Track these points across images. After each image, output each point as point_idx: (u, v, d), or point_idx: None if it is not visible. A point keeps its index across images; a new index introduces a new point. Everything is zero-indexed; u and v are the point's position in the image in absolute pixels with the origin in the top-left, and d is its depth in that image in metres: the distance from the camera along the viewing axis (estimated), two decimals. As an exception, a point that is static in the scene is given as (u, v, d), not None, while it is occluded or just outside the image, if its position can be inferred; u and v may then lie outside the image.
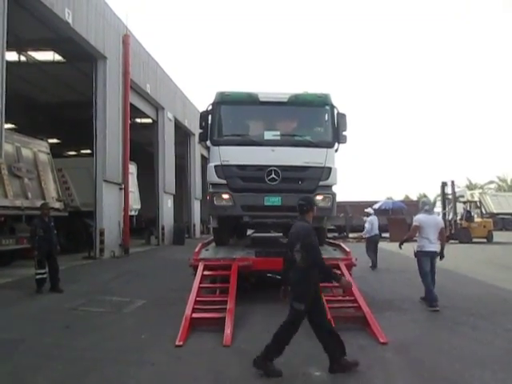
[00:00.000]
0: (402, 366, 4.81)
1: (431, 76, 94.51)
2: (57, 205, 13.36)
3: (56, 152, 25.95)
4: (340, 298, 7.46)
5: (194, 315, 6.27)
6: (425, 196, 58.62)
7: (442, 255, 7.79)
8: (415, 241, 8.04)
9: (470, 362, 4.94)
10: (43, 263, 8.81)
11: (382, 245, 21.48)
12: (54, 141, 29.02)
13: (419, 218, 7.92)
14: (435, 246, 7.73)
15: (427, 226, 7.71)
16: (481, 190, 48.75)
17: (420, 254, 7.80)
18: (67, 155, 27.65)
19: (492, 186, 58.09)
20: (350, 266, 7.95)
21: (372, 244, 13.18)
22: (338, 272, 7.71)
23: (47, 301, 8.19)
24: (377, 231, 13.33)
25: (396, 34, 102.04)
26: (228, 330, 5.75)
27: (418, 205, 35.05)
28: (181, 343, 5.50)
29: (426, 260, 7.72)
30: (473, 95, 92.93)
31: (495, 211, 38.42)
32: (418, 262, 7.86)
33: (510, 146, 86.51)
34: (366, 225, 13.41)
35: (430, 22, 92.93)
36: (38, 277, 8.79)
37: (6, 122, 22.05)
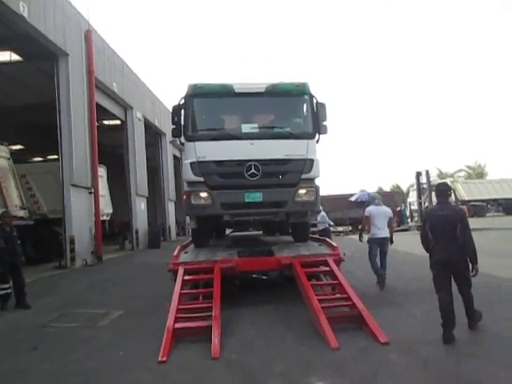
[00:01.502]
0: (411, 369, 4.42)
1: (401, 66, 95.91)
2: (21, 213, 12.51)
3: (21, 158, 24.90)
4: (332, 296, 7.06)
5: (177, 325, 5.73)
6: (398, 187, 59.54)
7: (391, 240, 8.84)
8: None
9: (483, 359, 4.60)
10: (6, 277, 8.06)
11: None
12: (18, 147, 27.77)
13: (370, 210, 8.85)
14: (384, 233, 8.63)
15: (377, 215, 8.71)
16: (452, 179, 49.69)
17: (371, 241, 8.73)
18: (33, 162, 26.33)
19: (461, 174, 59.39)
20: (338, 262, 7.57)
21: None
22: (327, 269, 7.37)
23: (13, 318, 7.45)
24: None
25: (372, 23, 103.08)
26: (215, 340, 5.23)
27: (393, 196, 35.54)
28: (164, 358, 4.96)
29: (375, 246, 8.69)
30: (439, 87, 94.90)
31: (467, 198, 39.12)
32: (369, 248, 8.76)
33: (474, 135, 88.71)
34: (319, 218, 14.42)
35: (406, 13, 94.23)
36: (1, 292, 8.02)
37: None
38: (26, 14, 11.59)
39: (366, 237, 9.01)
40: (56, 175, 14.68)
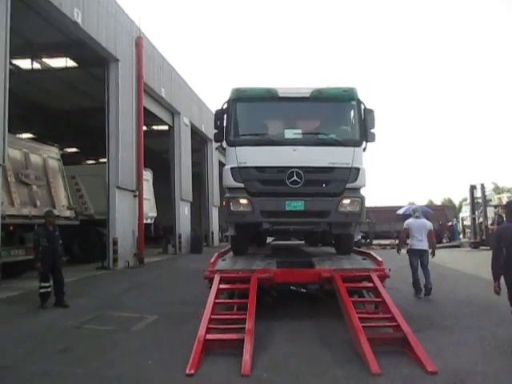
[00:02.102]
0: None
1: (457, 75, 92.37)
2: (67, 213, 12.84)
3: (75, 161, 25.97)
4: (375, 315, 6.57)
5: (208, 337, 5.47)
6: (450, 201, 57.04)
7: (433, 253, 9.10)
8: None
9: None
10: (47, 276, 8.17)
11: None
12: (74, 150, 28.98)
13: (409, 222, 9.30)
14: (422, 245, 8.98)
15: (415, 228, 9.11)
16: (509, 194, 46.90)
17: (410, 252, 9.19)
18: (83, 164, 27.30)
19: (520, 189, 56.05)
20: (383, 278, 7.06)
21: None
22: (370, 285, 6.90)
23: (50, 318, 7.50)
24: None
25: (421, 32, 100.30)
26: (247, 356, 4.92)
27: (444, 210, 33.96)
28: (192, 371, 4.70)
29: (415, 256, 9.05)
30: (498, 96, 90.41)
31: (526, 215, 36.70)
32: (409, 258, 9.18)
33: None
34: None
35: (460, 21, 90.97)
36: (41, 290, 8.14)
37: (25, 132, 22.33)
38: (79, 21, 11.97)
39: (403, 250, 9.50)
40: (103, 178, 15.03)
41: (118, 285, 11.04)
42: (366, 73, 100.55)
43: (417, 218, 9.31)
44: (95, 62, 15.16)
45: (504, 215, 6.42)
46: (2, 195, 10.34)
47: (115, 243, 14.30)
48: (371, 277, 6.90)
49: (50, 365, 5.11)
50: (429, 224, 9.27)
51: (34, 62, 15.97)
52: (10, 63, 14.63)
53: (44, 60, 15.83)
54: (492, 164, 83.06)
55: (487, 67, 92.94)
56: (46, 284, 8.17)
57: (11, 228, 11.29)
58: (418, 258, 8.99)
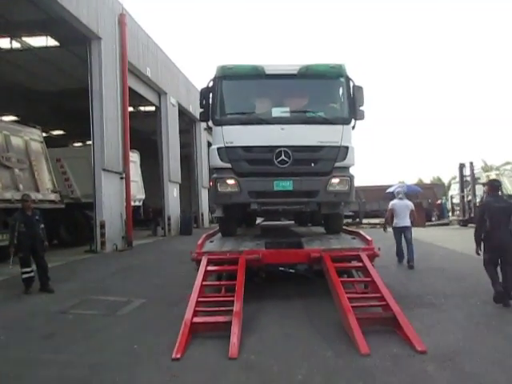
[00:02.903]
0: (453, 386, 3.85)
1: (446, 54, 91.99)
2: (52, 196, 12.58)
3: (62, 143, 25.45)
4: (364, 295, 6.52)
5: (196, 319, 5.39)
6: (439, 179, 57.34)
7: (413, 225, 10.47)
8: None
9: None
10: (28, 261, 7.99)
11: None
12: (60, 132, 28.40)
13: (393, 203, 10.43)
14: (405, 222, 10.14)
15: (399, 208, 10.24)
16: (498, 172, 47.24)
17: (395, 229, 10.38)
18: (68, 146, 26.75)
19: (508, 167, 56.36)
20: (372, 257, 7.00)
21: None
22: (360, 264, 6.84)
23: (34, 303, 7.36)
24: None
25: (410, 9, 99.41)
26: (234, 339, 4.84)
27: (433, 188, 34.11)
28: (178, 356, 4.61)
29: (399, 233, 10.28)
30: (486, 74, 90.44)
31: (514, 192, 37.06)
32: (394, 235, 10.40)
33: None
34: None
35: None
36: (24, 276, 7.98)
37: (8, 114, 21.76)
38: (58, -4, 11.47)
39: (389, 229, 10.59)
40: (89, 160, 14.71)
41: (106, 268, 10.91)
42: (353, 50, 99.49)
43: (400, 199, 10.44)
44: (77, 41, 14.63)
45: (486, 191, 7.47)
46: (-17, 179, 10.08)
47: (102, 226, 14.09)
48: (360, 256, 6.84)
49: (32, 352, 4.99)
50: (410, 204, 10.46)
51: (14, 41, 15.40)
52: (-13, 42, 14.20)
53: (24, 39, 15.25)
54: (481, 142, 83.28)
55: (476, 42, 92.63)
56: (28, 269, 8.00)
57: (-5, 212, 11.04)
58: (402, 233, 10.20)
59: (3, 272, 9.57)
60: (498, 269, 6.52)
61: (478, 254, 6.74)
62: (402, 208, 10.22)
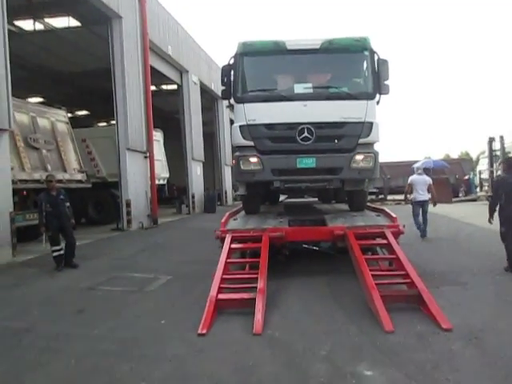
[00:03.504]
0: (478, 364, 3.81)
1: (476, 24, 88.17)
2: (79, 176, 12.86)
3: (87, 124, 25.80)
4: (388, 272, 6.48)
5: (220, 296, 5.48)
6: (467, 154, 55.88)
7: (434, 203, 11.32)
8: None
9: None
10: (57, 239, 8.27)
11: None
12: (84, 112, 28.78)
13: (413, 178, 11.09)
14: (424, 197, 10.77)
15: (417, 183, 10.86)
16: (529, 145, 45.57)
17: (414, 203, 10.91)
18: (93, 126, 27.11)
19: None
20: (397, 234, 6.92)
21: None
22: (384, 242, 6.78)
23: (65, 280, 7.62)
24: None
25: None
26: (259, 315, 4.91)
27: (461, 163, 33.25)
28: (204, 331, 4.72)
29: (417, 207, 10.84)
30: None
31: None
32: (412, 208, 10.99)
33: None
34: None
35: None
36: (54, 254, 8.26)
37: (34, 96, 22.13)
38: (78, -25, 11.43)
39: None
40: (114, 139, 14.88)
41: (132, 246, 11.16)
42: (382, 24, 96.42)
43: (419, 174, 11.14)
44: (98, 21, 14.63)
45: (504, 169, 8.11)
46: (12, 160, 10.33)
47: (128, 205, 14.36)
48: (385, 233, 6.78)
49: (66, 326, 5.20)
50: (428, 179, 11.10)
51: (37, 23, 15.53)
52: (13, 24, 14.32)
53: (46, 20, 15.36)
54: (511, 115, 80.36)
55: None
56: (57, 247, 8.28)
57: (25, 193, 11.38)
58: (420, 207, 10.81)
59: (37, 250, 9.95)
60: None
61: (491, 222, 7.41)
62: (421, 183, 10.87)
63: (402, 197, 26.94)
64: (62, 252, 8.31)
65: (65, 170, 12.13)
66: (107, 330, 5.00)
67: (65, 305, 6.10)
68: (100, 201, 16.36)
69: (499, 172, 22.89)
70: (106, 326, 5.15)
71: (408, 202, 11.49)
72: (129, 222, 14.43)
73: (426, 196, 10.85)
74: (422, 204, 10.82)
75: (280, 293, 6.07)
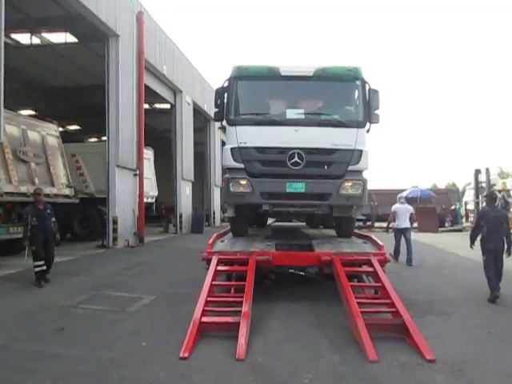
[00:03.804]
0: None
1: (463, 58, 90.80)
2: (67, 191, 12.71)
3: (78, 138, 25.71)
4: (374, 300, 6.47)
5: (204, 319, 5.41)
6: (453, 185, 56.66)
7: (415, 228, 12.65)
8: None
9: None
10: (40, 254, 8.14)
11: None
12: (76, 127, 28.74)
13: (395, 207, 11.79)
14: (405, 224, 11.41)
15: (400, 211, 11.54)
16: (514, 178, 46.43)
17: (396, 230, 11.62)
18: (83, 142, 27.02)
19: (525, 174, 55.39)
20: (383, 262, 6.94)
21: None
22: (370, 269, 6.79)
23: (46, 296, 7.46)
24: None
25: (421, 16, 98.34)
26: (242, 340, 4.85)
27: (448, 194, 33.64)
28: (186, 355, 4.64)
29: (399, 233, 11.49)
30: (503, 80, 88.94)
31: (530, 200, 36.38)
32: (394, 235, 11.63)
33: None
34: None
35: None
36: (37, 269, 8.11)
37: (26, 108, 22.06)
38: (78, -7, 11.59)
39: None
40: (104, 156, 14.82)
41: (117, 264, 10.99)
42: (372, 52, 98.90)
43: (402, 203, 11.87)
44: (95, 38, 14.79)
45: (486, 202, 8.47)
46: (0, 172, 10.21)
47: (115, 222, 14.22)
48: (371, 261, 6.79)
49: (44, 345, 5.07)
50: (410, 208, 11.89)
51: (34, 37, 15.61)
52: (9, 37, 14.39)
53: (43, 35, 15.46)
54: (498, 148, 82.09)
55: (494, 47, 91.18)
56: (40, 262, 8.14)
57: (10, 205, 11.21)
58: (402, 234, 11.41)
59: (19, 264, 9.75)
60: None
61: (472, 247, 7.87)
62: (403, 211, 11.51)
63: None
64: (44, 268, 8.16)
65: (53, 185, 12.00)
66: (86, 350, 4.88)
67: (44, 322, 5.94)
68: (86, 217, 16.15)
69: (484, 203, 23.32)
70: (85, 345, 5.03)
71: (390, 230, 12.08)
72: (114, 239, 14.25)
73: (408, 224, 11.45)
74: (404, 231, 11.38)
75: (265, 317, 6.01)
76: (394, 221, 11.67)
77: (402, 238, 11.43)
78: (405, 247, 11.30)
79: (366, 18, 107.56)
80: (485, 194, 23.32)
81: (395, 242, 11.48)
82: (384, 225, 25.56)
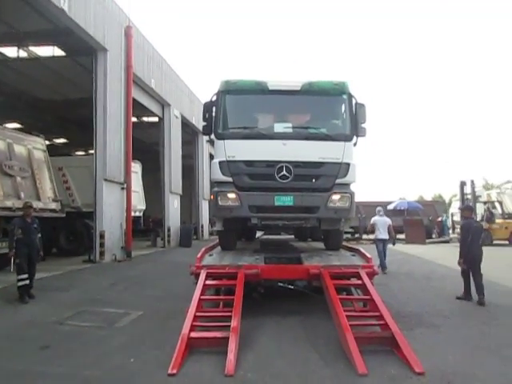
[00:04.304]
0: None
1: (448, 70, 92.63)
2: (53, 205, 12.56)
3: (65, 152, 25.49)
4: (362, 313, 6.47)
5: (193, 334, 5.36)
6: (440, 197, 57.30)
7: (393, 242, 13.23)
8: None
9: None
10: (24, 267, 8.02)
11: (398, 247, 20.51)
12: (63, 141, 28.54)
13: (375, 219, 12.49)
14: (384, 235, 12.16)
15: (379, 223, 12.28)
16: (499, 190, 47.13)
17: (377, 241, 12.39)
18: (70, 155, 26.84)
19: (509, 185, 56.21)
20: (371, 275, 6.96)
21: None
22: (359, 282, 6.80)
23: (31, 313, 7.31)
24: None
25: (408, 27, 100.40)
26: (231, 355, 4.80)
27: (434, 205, 33.95)
28: (174, 371, 4.58)
29: (380, 244, 12.21)
30: (489, 96, 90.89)
31: (514, 211, 36.89)
32: (376, 245, 12.35)
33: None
34: None
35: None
36: (20, 283, 7.97)
37: (12, 122, 21.88)
38: (66, 8, 11.63)
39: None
40: (91, 169, 14.71)
41: (104, 279, 10.85)
42: (357, 68, 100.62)
43: (381, 216, 12.51)
44: (83, 52, 14.79)
45: (465, 215, 8.96)
46: (-15, 187, 10.09)
47: (102, 236, 14.06)
48: (360, 274, 6.81)
49: (28, 363, 4.97)
50: (388, 220, 12.53)
51: (21, 51, 15.55)
52: (-4, 50, 14.33)
53: (31, 48, 15.41)
54: (483, 160, 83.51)
55: (479, 62, 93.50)
56: (24, 276, 8.02)
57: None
58: (382, 244, 12.16)
59: (2, 280, 9.56)
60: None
61: (460, 264, 8.27)
62: (382, 223, 12.27)
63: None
64: (27, 282, 8.03)
65: (39, 199, 11.85)
66: (72, 368, 4.79)
67: (29, 340, 5.82)
68: (73, 231, 15.92)
69: (459, 216, 23.60)
70: (71, 363, 4.95)
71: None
72: (101, 253, 14.08)
73: (386, 235, 12.22)
74: (383, 241, 12.23)
75: (254, 332, 5.97)
76: (373, 232, 12.56)
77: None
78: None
79: (356, 25, 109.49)
80: (461, 206, 23.68)
81: (378, 253, 11.97)
82: (372, 237, 25.89)
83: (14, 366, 4.87)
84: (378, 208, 13.16)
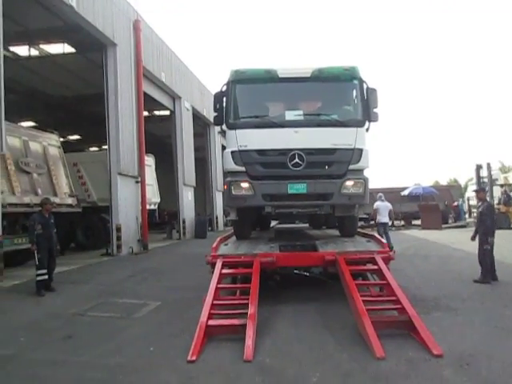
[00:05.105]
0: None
1: (465, 56, 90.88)
2: (69, 201, 12.78)
3: (79, 148, 25.78)
4: (379, 297, 6.47)
5: (210, 322, 5.43)
6: (455, 181, 56.60)
7: (392, 225, 15.08)
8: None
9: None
10: (44, 263, 8.22)
11: (414, 232, 20.38)
12: (76, 137, 28.87)
13: (377, 204, 13.45)
14: (385, 219, 13.30)
15: (381, 208, 13.30)
16: (515, 173, 46.31)
17: (378, 224, 13.38)
18: (85, 151, 27.14)
19: (526, 168, 55.28)
20: (387, 260, 6.94)
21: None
22: (375, 267, 6.80)
23: (53, 305, 7.50)
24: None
25: (422, 16, 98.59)
26: (249, 341, 4.86)
27: (450, 190, 33.60)
28: (194, 358, 4.66)
29: (381, 227, 13.20)
30: (504, 75, 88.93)
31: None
32: (377, 228, 13.33)
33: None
34: None
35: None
36: (39, 278, 8.18)
37: (27, 120, 22.20)
38: (74, 4, 11.69)
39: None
40: (106, 164, 14.89)
41: (122, 271, 11.03)
42: (369, 53, 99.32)
43: (382, 201, 13.44)
44: (93, 47, 14.90)
45: (481, 198, 9.05)
46: (3, 184, 10.28)
47: (118, 230, 14.27)
48: (375, 259, 6.80)
49: (52, 353, 5.10)
50: (389, 205, 13.56)
51: (32, 49, 15.74)
52: (7, 50, 14.49)
53: (41, 46, 15.58)
54: (499, 143, 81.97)
55: (495, 42, 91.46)
56: (43, 271, 8.22)
57: (14, 217, 11.25)
58: (383, 227, 13.16)
59: (24, 275, 9.81)
60: None
61: (472, 239, 8.78)
62: (383, 208, 13.30)
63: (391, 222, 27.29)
64: (45, 277, 8.23)
65: (55, 194, 12.06)
66: (95, 357, 4.90)
67: (52, 331, 5.97)
68: (90, 225, 16.20)
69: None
70: (93, 352, 5.05)
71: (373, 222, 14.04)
72: (119, 247, 14.30)
73: (387, 219, 13.41)
74: (385, 225, 13.31)
75: (271, 319, 6.02)
76: (376, 216, 13.47)
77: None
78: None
79: (365, 17, 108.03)
80: (476, 188, 23.30)
81: (379, 233, 12.38)
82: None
83: (40, 355, 5.01)
84: (380, 194, 14.01)
